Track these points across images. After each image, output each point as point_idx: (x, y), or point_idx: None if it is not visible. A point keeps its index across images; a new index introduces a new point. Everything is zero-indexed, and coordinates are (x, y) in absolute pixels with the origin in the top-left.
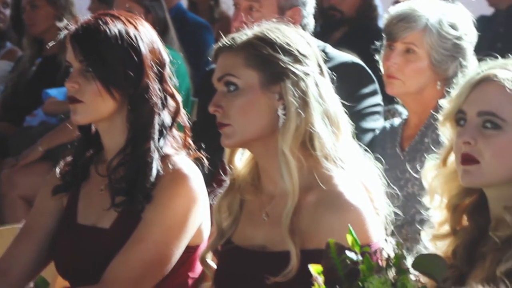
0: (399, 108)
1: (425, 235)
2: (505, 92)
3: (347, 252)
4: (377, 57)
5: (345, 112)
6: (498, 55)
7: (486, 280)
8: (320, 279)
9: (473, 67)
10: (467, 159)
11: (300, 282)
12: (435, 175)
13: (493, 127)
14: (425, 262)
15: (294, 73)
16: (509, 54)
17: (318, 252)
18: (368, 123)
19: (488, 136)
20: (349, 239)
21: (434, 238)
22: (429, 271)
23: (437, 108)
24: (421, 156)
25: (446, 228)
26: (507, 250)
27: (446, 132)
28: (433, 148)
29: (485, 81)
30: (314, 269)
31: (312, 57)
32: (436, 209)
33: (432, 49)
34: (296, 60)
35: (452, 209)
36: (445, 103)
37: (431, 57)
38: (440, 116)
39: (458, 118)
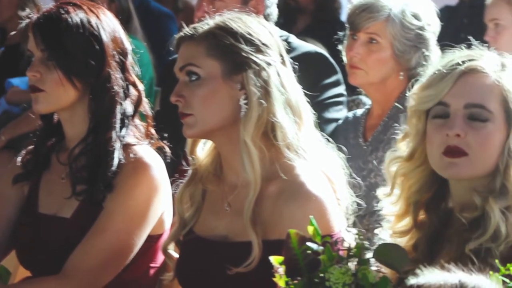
0: (363, 98)
1: (383, 230)
2: (492, 84)
3: (308, 242)
4: (340, 47)
5: (308, 102)
6: (461, 46)
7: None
8: (281, 270)
9: (436, 58)
10: (455, 152)
11: (262, 273)
12: (398, 169)
13: (481, 119)
14: (385, 252)
15: (256, 63)
16: (473, 45)
17: (280, 242)
18: (331, 113)
19: (477, 128)
20: (310, 229)
21: (394, 235)
22: (390, 261)
23: (400, 98)
24: (384, 146)
25: (405, 223)
26: (476, 229)
27: (414, 125)
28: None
29: (471, 73)
30: (275, 260)
31: (274, 47)
32: (393, 204)
33: (395, 39)
34: (258, 50)
35: (413, 204)
36: (417, 95)
37: (394, 47)
38: (412, 108)
39: (439, 110)
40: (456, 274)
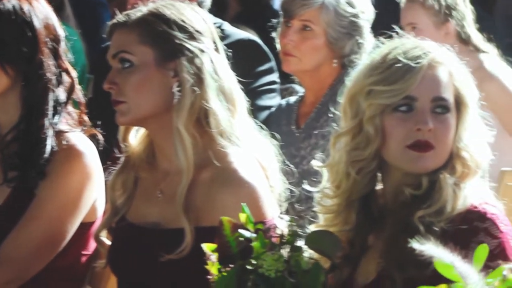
0: (296, 86)
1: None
2: (448, 75)
3: (240, 229)
4: (274, 34)
5: (241, 89)
6: (395, 34)
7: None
8: (214, 257)
9: (370, 46)
10: (425, 146)
11: (194, 260)
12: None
13: (445, 111)
14: (318, 239)
15: (189, 50)
16: (405, 33)
17: (212, 229)
18: (264, 101)
19: (441, 121)
20: (243, 216)
21: (326, 211)
22: (322, 248)
23: (333, 86)
24: (316, 134)
25: (340, 219)
26: (420, 204)
27: (373, 127)
28: (329, 125)
29: (434, 66)
30: (208, 247)
31: (208, 34)
32: (331, 198)
33: (329, 26)
34: (191, 37)
35: (350, 202)
36: (378, 89)
37: (327, 34)
38: (376, 104)
39: (403, 104)
40: (452, 256)
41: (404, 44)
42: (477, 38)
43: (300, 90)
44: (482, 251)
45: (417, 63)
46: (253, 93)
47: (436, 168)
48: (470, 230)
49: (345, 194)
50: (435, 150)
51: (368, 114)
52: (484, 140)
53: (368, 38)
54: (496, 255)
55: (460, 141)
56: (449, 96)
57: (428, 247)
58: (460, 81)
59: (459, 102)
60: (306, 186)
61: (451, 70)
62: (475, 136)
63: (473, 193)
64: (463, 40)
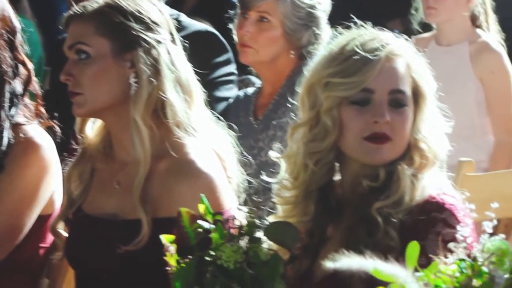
0: (252, 78)
1: (279, 201)
2: (405, 67)
3: (199, 220)
4: (231, 26)
5: (199, 81)
6: (353, 24)
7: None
8: (172, 248)
9: (327, 36)
10: (382, 138)
11: (152, 251)
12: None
13: (403, 104)
14: (276, 230)
15: (145, 41)
16: (363, 24)
17: (170, 220)
18: (221, 92)
19: (399, 114)
20: (201, 207)
21: (285, 203)
22: (281, 239)
23: (291, 77)
24: (274, 125)
25: (298, 210)
26: (377, 196)
27: (330, 119)
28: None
29: (392, 58)
30: (166, 238)
31: (164, 25)
32: (289, 189)
33: (286, 17)
34: (148, 28)
35: (308, 193)
36: (335, 81)
37: (284, 26)
38: (338, 93)
39: (360, 96)
40: (372, 261)
41: (361, 35)
42: (492, 24)
43: (257, 81)
44: (413, 248)
45: (375, 55)
46: (210, 84)
47: (393, 159)
48: (428, 220)
49: (303, 185)
50: (392, 142)
51: (326, 106)
52: (442, 131)
53: (325, 29)
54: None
55: (418, 133)
56: (406, 88)
57: (345, 263)
58: (418, 73)
59: (417, 94)
60: (264, 177)
61: (409, 62)
62: (433, 128)
63: (432, 183)
64: (475, 19)
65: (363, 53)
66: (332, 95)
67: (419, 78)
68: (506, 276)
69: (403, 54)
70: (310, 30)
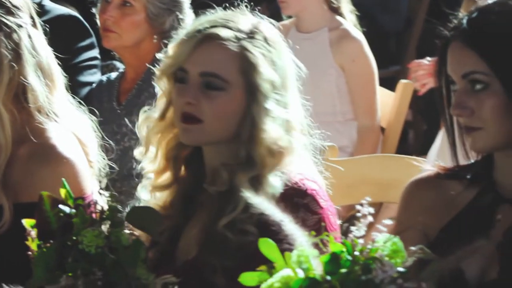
0: (117, 63)
1: (143, 187)
2: (228, 53)
3: (60, 205)
4: (94, 10)
5: (61, 66)
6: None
7: (202, 232)
8: (34, 233)
9: (190, 21)
10: (189, 118)
11: (14, 236)
12: (151, 128)
13: (216, 88)
14: (138, 216)
15: (6, 25)
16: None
17: (32, 205)
18: (85, 77)
19: (211, 97)
20: (63, 192)
21: (154, 189)
22: (143, 224)
23: (153, 62)
24: (138, 110)
25: (165, 178)
26: (225, 205)
27: (163, 86)
28: (150, 102)
29: (208, 41)
30: (27, 222)
31: (25, 9)
32: (151, 161)
33: (149, 2)
34: (9, 11)
35: (172, 159)
36: (164, 57)
37: (147, 10)
38: (158, 70)
39: (180, 76)
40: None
41: (208, 19)
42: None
43: (121, 66)
44: (267, 245)
45: (193, 36)
46: (74, 69)
47: (207, 142)
48: (290, 206)
49: (161, 175)
50: (203, 124)
51: (161, 87)
52: (279, 120)
53: (188, 14)
54: (317, 231)
55: (250, 125)
56: (226, 74)
57: (260, 201)
58: (255, 62)
59: (250, 84)
60: (128, 163)
61: (242, 49)
62: (270, 117)
63: (292, 170)
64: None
65: (189, 34)
66: (159, 72)
67: (254, 68)
68: (400, 269)
69: (230, 38)
70: (173, 15)
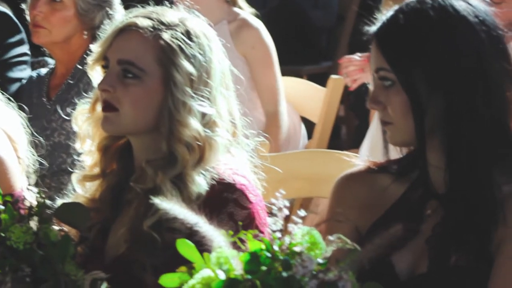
0: (48, 59)
1: (76, 177)
2: (145, 41)
3: None
4: (23, 6)
5: None
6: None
7: (130, 229)
8: None
9: (120, 17)
10: (106, 106)
11: None
12: (85, 120)
13: (133, 76)
14: (67, 211)
15: None
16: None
17: None
18: (14, 73)
19: (127, 85)
20: None
21: (83, 179)
22: (71, 220)
23: (83, 58)
24: (68, 106)
25: (96, 170)
26: (151, 204)
27: (96, 77)
28: (84, 94)
29: (127, 30)
30: None
31: None
32: (87, 154)
33: None
34: None
35: (103, 151)
36: (94, 48)
37: (77, 6)
38: (89, 60)
39: (104, 64)
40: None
41: (137, 11)
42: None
43: (52, 62)
44: (185, 245)
45: (115, 26)
46: (3, 65)
47: (124, 132)
48: (219, 201)
49: (95, 166)
50: (119, 113)
51: (97, 80)
52: (199, 115)
53: (118, 9)
54: (246, 226)
55: (168, 118)
56: (141, 62)
57: (171, 206)
58: (167, 54)
59: (167, 75)
60: (58, 159)
61: (159, 39)
62: (187, 111)
63: (221, 165)
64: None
65: (114, 25)
66: (90, 62)
67: (169, 59)
68: (320, 261)
69: (147, 28)
70: (103, 11)
